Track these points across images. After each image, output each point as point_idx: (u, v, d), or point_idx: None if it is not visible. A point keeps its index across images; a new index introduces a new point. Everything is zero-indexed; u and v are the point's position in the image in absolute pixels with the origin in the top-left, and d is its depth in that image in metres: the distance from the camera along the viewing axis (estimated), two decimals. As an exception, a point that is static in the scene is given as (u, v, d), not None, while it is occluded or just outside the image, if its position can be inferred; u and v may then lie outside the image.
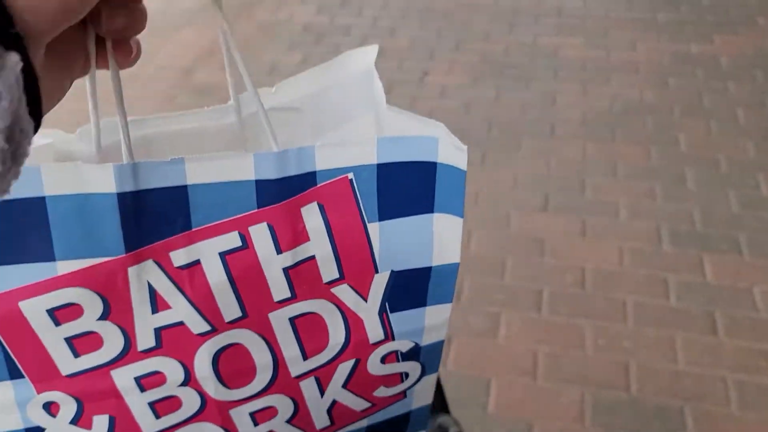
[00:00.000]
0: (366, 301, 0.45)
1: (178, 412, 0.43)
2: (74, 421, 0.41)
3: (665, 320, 1.65)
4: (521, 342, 1.61)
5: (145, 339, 0.41)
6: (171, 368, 0.42)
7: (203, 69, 2.72)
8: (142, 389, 0.42)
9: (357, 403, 0.48)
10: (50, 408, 0.41)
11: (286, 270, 0.42)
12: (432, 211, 0.44)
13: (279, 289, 0.42)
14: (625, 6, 3.09)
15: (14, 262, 0.37)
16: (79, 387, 0.41)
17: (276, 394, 0.45)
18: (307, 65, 2.72)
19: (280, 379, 0.45)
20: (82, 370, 0.40)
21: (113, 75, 0.37)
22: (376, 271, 0.44)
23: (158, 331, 0.41)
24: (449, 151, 0.42)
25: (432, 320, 0.47)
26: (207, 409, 0.44)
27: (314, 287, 0.43)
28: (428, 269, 0.45)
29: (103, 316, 0.39)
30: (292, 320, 0.43)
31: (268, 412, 0.45)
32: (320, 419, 0.47)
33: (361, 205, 0.42)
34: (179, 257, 0.40)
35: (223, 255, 0.40)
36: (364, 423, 0.50)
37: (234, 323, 0.42)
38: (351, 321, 0.45)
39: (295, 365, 0.45)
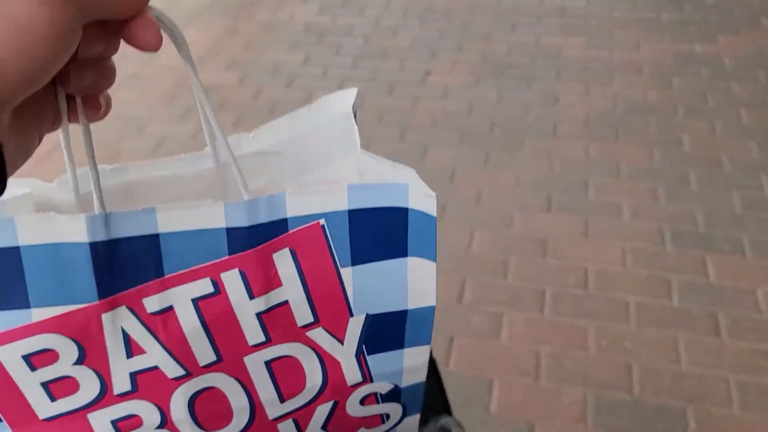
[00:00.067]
0: (342, 344, 0.45)
1: None
2: None
3: (667, 321, 1.64)
4: (523, 342, 1.60)
5: (120, 383, 0.41)
6: (147, 411, 0.43)
7: (206, 68, 2.72)
8: None
9: None
10: None
11: (259, 315, 0.42)
12: (406, 255, 0.44)
13: (253, 333, 0.43)
14: (629, 6, 3.08)
15: None
16: (56, 430, 0.42)
17: None
18: (310, 65, 2.72)
19: (258, 422, 0.45)
20: (58, 413, 0.41)
21: (84, 130, 0.38)
22: (351, 315, 0.44)
23: (134, 375, 0.42)
24: (419, 197, 0.43)
25: (411, 362, 0.48)
26: None
27: (289, 331, 0.44)
28: (404, 312, 0.45)
29: (79, 361, 0.40)
30: (268, 363, 0.44)
31: None
32: None
33: (333, 250, 0.43)
34: (152, 303, 0.40)
35: (195, 301, 0.41)
36: None
37: (209, 367, 0.43)
38: (328, 363, 0.45)
39: (273, 408, 0.45)
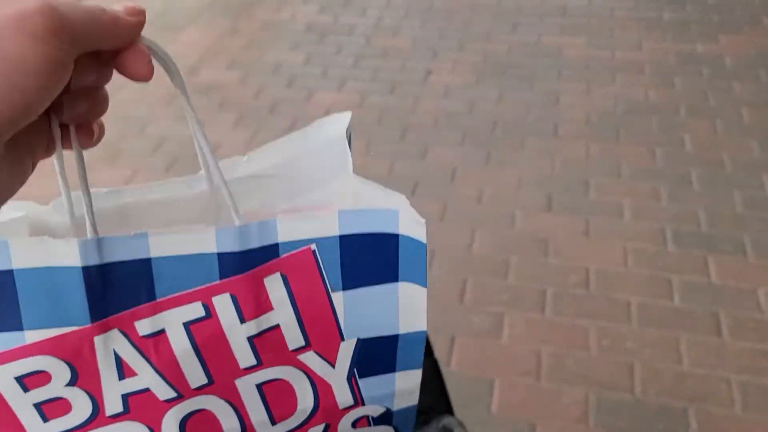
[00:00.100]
0: (333, 367, 0.46)
1: None
2: None
3: (669, 321, 1.64)
4: (525, 342, 1.60)
5: (112, 404, 0.42)
6: None
7: (208, 68, 2.72)
8: None
9: None
10: None
11: (250, 338, 0.43)
12: (397, 280, 0.45)
13: (244, 356, 0.43)
14: (630, 5, 3.08)
15: None
16: None
17: None
18: (311, 65, 2.72)
19: None
20: None
21: (77, 156, 0.39)
22: (342, 339, 0.45)
23: (125, 397, 0.42)
24: (409, 223, 0.43)
25: (402, 385, 0.48)
26: None
27: (280, 355, 0.44)
28: (395, 336, 0.46)
29: (71, 383, 0.41)
30: (259, 386, 0.45)
31: None
32: None
33: (324, 274, 0.43)
34: (144, 326, 0.41)
35: (187, 325, 0.42)
36: None
37: (200, 390, 0.43)
38: (319, 386, 0.46)
39: (264, 430, 0.46)
